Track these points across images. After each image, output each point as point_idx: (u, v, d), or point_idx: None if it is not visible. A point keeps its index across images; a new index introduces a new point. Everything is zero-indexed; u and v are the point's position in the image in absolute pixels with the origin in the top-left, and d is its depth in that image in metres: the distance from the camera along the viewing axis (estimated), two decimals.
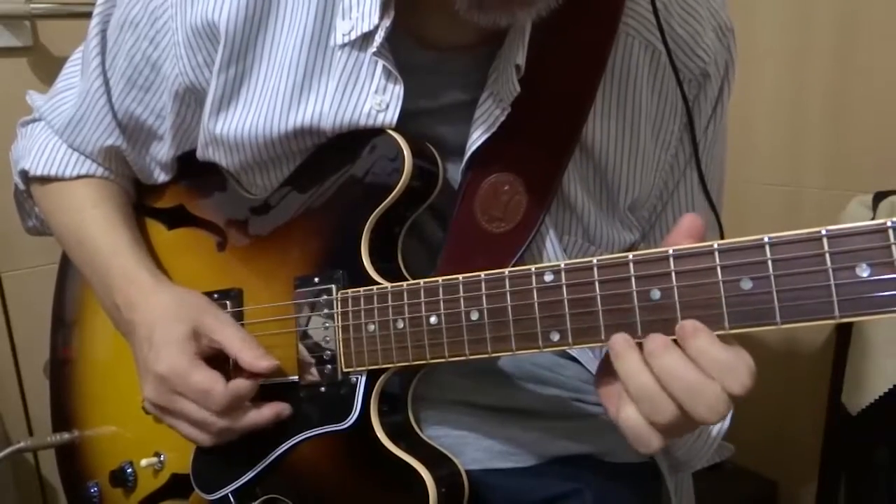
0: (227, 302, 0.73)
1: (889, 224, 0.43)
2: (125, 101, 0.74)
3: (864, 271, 0.43)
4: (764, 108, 1.52)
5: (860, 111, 1.38)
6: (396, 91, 0.64)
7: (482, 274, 0.57)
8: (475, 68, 0.65)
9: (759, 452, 1.53)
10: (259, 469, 0.69)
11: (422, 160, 0.65)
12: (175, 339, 0.66)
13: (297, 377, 0.68)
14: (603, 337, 0.52)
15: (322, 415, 0.66)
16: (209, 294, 0.73)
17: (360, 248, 0.65)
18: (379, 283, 0.64)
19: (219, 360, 0.68)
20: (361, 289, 0.64)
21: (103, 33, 0.75)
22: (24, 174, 0.81)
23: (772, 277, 0.46)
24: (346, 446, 0.66)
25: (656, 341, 0.49)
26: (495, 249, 0.65)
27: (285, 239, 0.71)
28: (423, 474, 0.61)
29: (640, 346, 0.50)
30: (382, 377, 0.65)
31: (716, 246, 0.48)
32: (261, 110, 0.67)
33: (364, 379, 0.64)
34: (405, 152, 0.63)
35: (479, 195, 0.66)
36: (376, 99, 0.64)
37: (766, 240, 0.46)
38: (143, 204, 0.83)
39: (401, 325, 0.61)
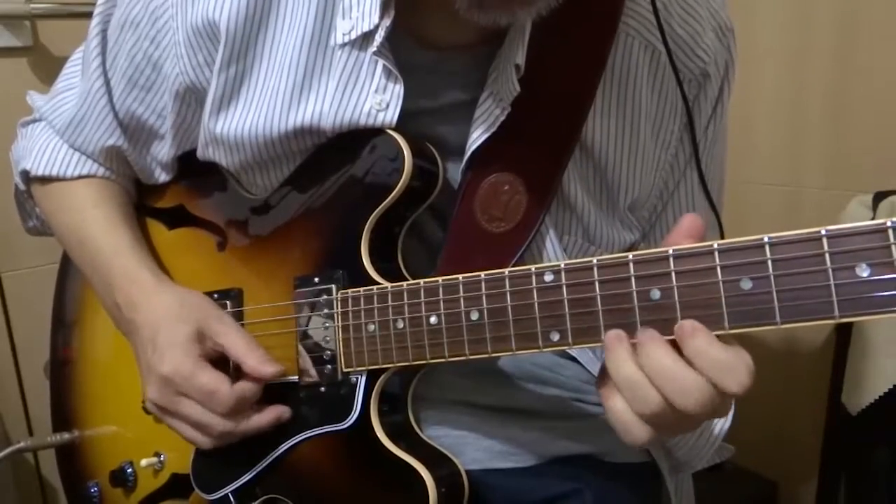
0: (227, 302, 0.73)
1: (889, 224, 0.43)
2: (126, 100, 0.74)
3: (863, 271, 0.43)
4: (764, 108, 1.53)
5: (860, 111, 1.38)
6: (396, 90, 0.64)
7: (482, 274, 0.57)
8: (475, 68, 0.65)
9: (759, 453, 1.53)
10: (259, 469, 0.69)
11: (422, 160, 0.65)
12: (179, 340, 0.66)
13: (297, 377, 0.68)
14: (603, 337, 0.51)
15: (322, 415, 0.66)
16: (209, 294, 0.73)
17: (360, 248, 0.65)
18: (379, 283, 0.64)
19: (219, 362, 0.68)
20: (361, 289, 0.64)
21: (104, 33, 0.75)
22: (25, 174, 0.81)
23: (772, 277, 0.46)
24: (346, 446, 0.66)
25: (644, 334, 0.49)
26: (495, 249, 0.65)
27: (285, 239, 0.71)
28: (423, 474, 0.61)
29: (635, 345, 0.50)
30: (382, 377, 0.65)
31: (716, 246, 0.48)
32: (261, 110, 0.67)
33: (364, 379, 0.64)
34: (405, 152, 0.63)
35: (479, 195, 0.66)
36: (376, 98, 0.64)
37: (766, 240, 0.46)
38: (143, 204, 0.83)
39: (401, 325, 0.61)
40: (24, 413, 1.30)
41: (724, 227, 0.74)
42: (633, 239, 0.72)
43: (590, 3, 0.64)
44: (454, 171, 0.68)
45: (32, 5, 1.19)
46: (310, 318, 0.67)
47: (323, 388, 0.67)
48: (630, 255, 0.51)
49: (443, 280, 0.59)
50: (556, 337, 0.54)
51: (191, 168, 0.77)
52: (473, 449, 0.71)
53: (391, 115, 0.64)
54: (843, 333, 1.31)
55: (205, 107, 0.69)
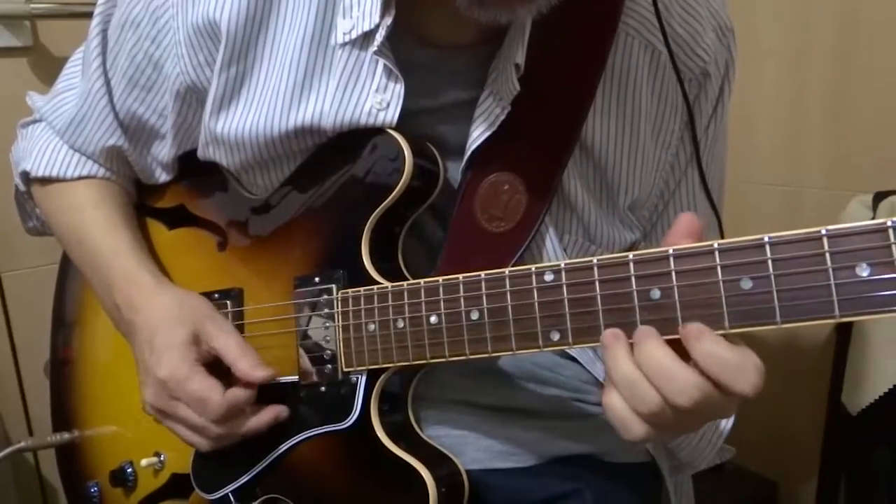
0: (228, 302, 0.73)
1: (889, 224, 0.43)
2: (127, 100, 0.74)
3: (863, 271, 0.43)
4: (764, 108, 1.53)
5: (860, 111, 1.38)
6: (397, 90, 0.64)
7: (482, 273, 0.57)
8: (475, 67, 0.65)
9: (759, 453, 1.53)
10: (259, 469, 0.69)
11: (422, 160, 0.65)
12: (176, 343, 0.66)
13: (297, 377, 0.68)
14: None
15: (322, 414, 0.66)
16: (209, 294, 0.73)
17: (360, 247, 0.65)
18: (379, 283, 0.64)
19: (219, 365, 0.68)
20: (362, 288, 0.64)
21: (104, 33, 0.75)
22: (25, 175, 0.81)
23: (772, 277, 0.46)
24: (347, 446, 0.66)
25: (642, 332, 0.49)
26: (495, 249, 0.65)
27: (286, 239, 0.71)
28: (423, 474, 0.61)
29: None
30: (383, 377, 0.65)
31: (716, 245, 0.48)
32: (261, 109, 0.67)
33: (364, 379, 0.65)
34: (406, 152, 0.63)
35: (479, 194, 0.66)
36: (377, 98, 0.64)
37: (766, 239, 0.46)
38: (143, 204, 0.83)
39: (401, 324, 0.61)
40: (24, 413, 1.30)
41: (724, 227, 0.74)
42: (633, 238, 0.72)
43: (590, 2, 0.64)
44: (454, 171, 0.68)
45: (32, 5, 1.19)
46: (310, 317, 0.67)
47: (323, 388, 0.67)
48: (630, 255, 0.51)
49: (443, 280, 0.59)
50: (556, 336, 0.54)
51: (191, 168, 0.77)
52: (473, 449, 0.71)
53: (392, 115, 0.64)
54: (843, 333, 1.31)
55: (205, 106, 0.69)
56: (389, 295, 0.62)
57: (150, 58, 0.71)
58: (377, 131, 0.65)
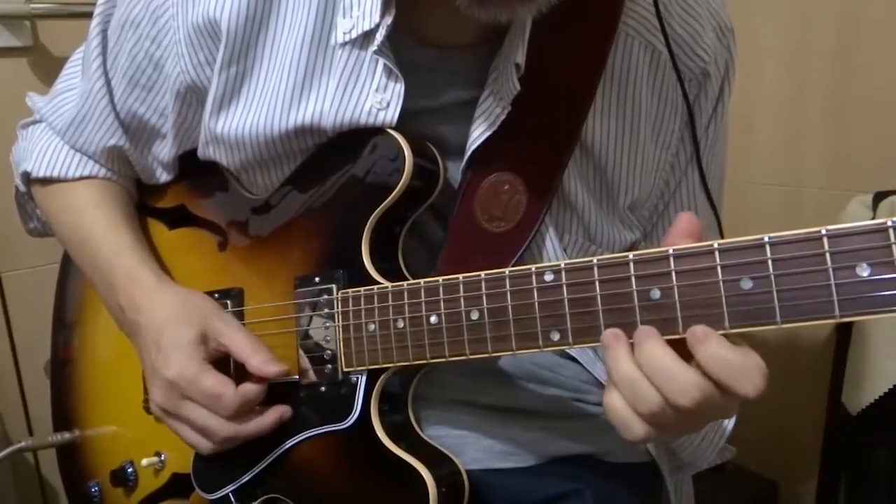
0: (228, 301, 0.73)
1: (889, 224, 0.43)
2: (128, 100, 0.74)
3: (864, 271, 0.43)
4: (764, 108, 1.53)
5: (860, 111, 1.38)
6: (397, 89, 0.64)
7: (482, 273, 0.57)
8: (476, 67, 0.65)
9: (759, 453, 1.53)
10: (259, 469, 0.69)
11: (422, 160, 0.65)
12: (184, 343, 0.66)
13: (297, 377, 0.68)
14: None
15: (322, 414, 0.66)
16: (209, 294, 0.73)
17: (360, 247, 0.65)
18: (379, 283, 0.64)
19: (222, 364, 0.68)
20: (362, 288, 0.64)
21: (104, 33, 0.75)
22: (25, 176, 0.81)
23: (772, 277, 0.46)
24: (347, 446, 0.66)
25: (642, 332, 0.49)
26: (495, 249, 0.65)
27: (286, 239, 0.71)
28: (423, 474, 0.61)
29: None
30: (383, 377, 0.65)
31: (716, 245, 0.48)
32: (262, 109, 0.67)
33: (364, 379, 0.65)
34: (406, 152, 0.63)
35: (479, 194, 0.66)
36: (377, 97, 0.64)
37: (766, 239, 0.46)
38: (144, 204, 0.83)
39: (401, 324, 0.61)
40: (24, 413, 1.30)
41: (723, 227, 0.74)
42: (633, 238, 0.72)
43: (590, 2, 0.64)
44: (454, 171, 0.68)
45: (32, 5, 1.19)
46: (310, 317, 0.67)
47: (323, 388, 0.67)
48: (630, 255, 0.51)
49: (443, 280, 0.59)
50: (556, 336, 0.54)
51: (192, 168, 0.77)
52: (474, 449, 0.71)
53: (392, 114, 0.64)
54: (844, 333, 1.31)
55: (205, 106, 0.69)
56: (389, 295, 0.62)
57: (150, 57, 0.71)
58: (377, 131, 0.65)
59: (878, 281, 0.43)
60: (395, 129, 0.65)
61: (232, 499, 0.71)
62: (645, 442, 0.51)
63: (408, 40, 0.65)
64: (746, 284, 0.47)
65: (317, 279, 0.67)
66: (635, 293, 0.50)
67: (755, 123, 1.54)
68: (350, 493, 0.66)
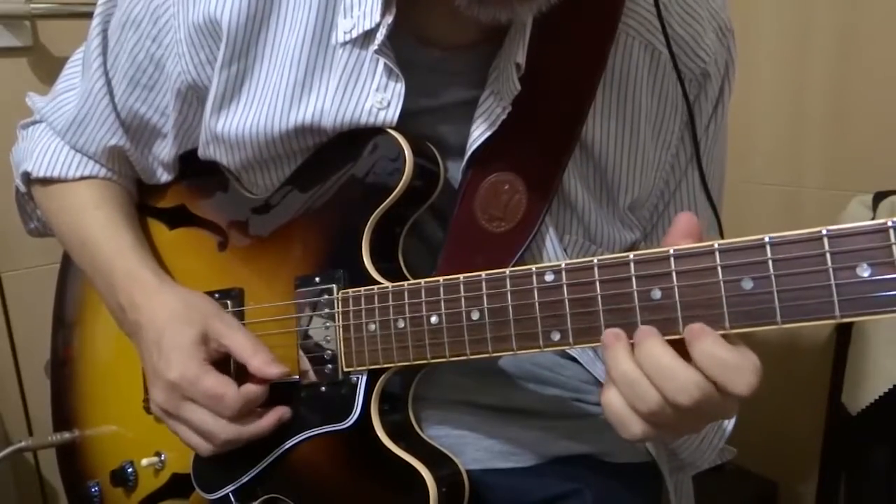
0: (228, 301, 0.73)
1: (889, 224, 0.43)
2: (129, 100, 0.74)
3: (864, 271, 0.43)
4: (764, 109, 1.53)
5: (860, 111, 1.38)
6: (398, 89, 0.64)
7: (483, 274, 0.57)
8: (476, 67, 0.65)
9: (759, 453, 1.53)
10: (260, 469, 0.69)
11: (423, 160, 0.65)
12: (185, 344, 0.66)
13: (297, 377, 0.68)
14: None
15: (323, 414, 0.66)
16: (210, 294, 0.73)
17: (360, 247, 0.65)
18: (380, 283, 0.64)
19: (222, 364, 0.68)
20: (362, 288, 0.64)
21: (104, 33, 0.75)
22: (26, 176, 0.81)
23: (772, 277, 0.46)
24: (347, 446, 0.66)
25: (642, 331, 0.49)
26: (495, 249, 0.65)
27: (286, 239, 0.71)
28: (423, 474, 0.61)
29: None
30: (383, 377, 0.65)
31: (716, 246, 0.48)
32: (262, 108, 0.67)
33: (365, 379, 0.65)
34: (406, 152, 0.63)
35: (479, 194, 0.66)
36: (377, 97, 0.64)
37: (766, 240, 0.46)
38: (144, 204, 0.83)
39: (401, 324, 0.61)
40: (24, 413, 1.30)
41: (724, 227, 0.74)
42: (633, 238, 0.73)
43: (590, 2, 0.64)
44: (454, 171, 0.68)
45: (32, 5, 1.19)
46: (311, 317, 0.67)
47: (323, 388, 0.67)
48: (631, 255, 0.51)
49: (443, 280, 0.59)
50: (556, 337, 0.54)
51: (192, 168, 0.77)
52: (474, 449, 0.71)
53: (392, 114, 0.64)
54: (844, 333, 1.31)
55: (206, 105, 0.69)
56: (390, 295, 0.62)
57: (151, 57, 0.71)
58: (378, 131, 0.65)
59: (878, 281, 0.43)
60: (396, 128, 0.65)
61: (232, 499, 0.71)
62: (643, 441, 0.51)
63: (408, 40, 0.65)
64: (747, 284, 0.47)
65: (317, 279, 0.67)
66: (636, 293, 0.50)
67: (755, 123, 1.54)
68: (350, 493, 0.66)
